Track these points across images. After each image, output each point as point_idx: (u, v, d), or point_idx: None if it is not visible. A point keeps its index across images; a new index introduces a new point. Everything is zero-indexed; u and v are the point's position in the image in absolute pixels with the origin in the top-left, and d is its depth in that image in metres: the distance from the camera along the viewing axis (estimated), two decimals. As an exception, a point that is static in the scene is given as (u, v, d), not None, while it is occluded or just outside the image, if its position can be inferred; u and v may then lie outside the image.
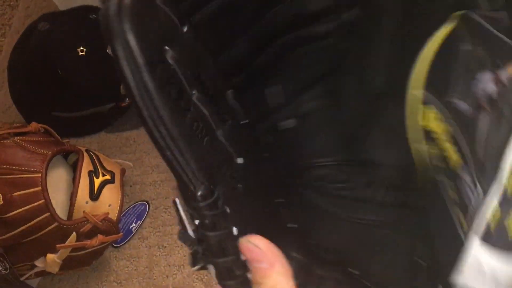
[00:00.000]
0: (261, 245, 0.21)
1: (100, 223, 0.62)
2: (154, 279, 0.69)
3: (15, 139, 0.63)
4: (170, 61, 0.19)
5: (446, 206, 0.20)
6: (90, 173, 0.65)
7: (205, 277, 0.67)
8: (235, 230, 0.22)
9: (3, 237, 0.59)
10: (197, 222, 0.21)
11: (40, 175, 0.59)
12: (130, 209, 0.75)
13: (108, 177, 0.67)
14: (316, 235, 0.25)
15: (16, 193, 0.58)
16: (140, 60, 0.17)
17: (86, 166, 0.65)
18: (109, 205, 0.65)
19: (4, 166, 0.59)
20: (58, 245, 0.60)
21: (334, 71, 0.27)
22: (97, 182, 0.65)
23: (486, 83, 0.17)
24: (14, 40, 0.87)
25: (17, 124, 0.69)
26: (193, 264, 0.23)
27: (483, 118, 0.17)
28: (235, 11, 0.24)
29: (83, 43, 0.76)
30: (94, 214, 0.62)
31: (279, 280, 0.21)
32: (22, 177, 0.59)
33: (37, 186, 0.59)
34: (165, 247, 0.71)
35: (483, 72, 0.18)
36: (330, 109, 0.28)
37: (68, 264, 0.65)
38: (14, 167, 0.59)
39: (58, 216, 0.59)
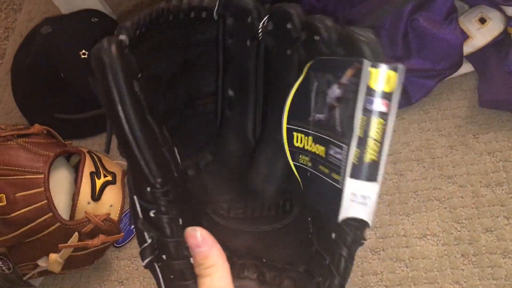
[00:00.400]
0: (203, 233, 0.27)
1: (102, 223, 0.63)
2: (155, 278, 0.69)
3: (18, 140, 0.63)
4: (136, 88, 0.26)
5: (326, 182, 0.27)
6: (92, 174, 0.65)
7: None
8: (180, 221, 0.27)
9: (6, 237, 0.60)
10: (152, 213, 0.27)
11: (42, 176, 0.60)
12: (131, 209, 0.75)
13: (109, 178, 0.67)
14: (229, 243, 0.30)
15: (19, 194, 0.59)
16: (122, 82, 0.25)
17: (88, 167, 0.65)
18: (111, 206, 0.66)
19: (8, 167, 0.60)
20: (60, 245, 0.61)
21: (217, 135, 0.37)
22: (98, 183, 0.65)
23: (333, 91, 0.25)
24: (17, 43, 0.88)
25: (20, 126, 0.70)
26: (143, 258, 0.27)
27: (336, 111, 0.25)
28: (157, 79, 0.32)
29: (85, 46, 0.76)
30: (95, 215, 0.63)
31: (218, 260, 0.27)
32: (25, 178, 0.60)
33: (40, 187, 0.60)
34: (166, 247, 0.72)
35: (332, 87, 0.25)
36: (218, 162, 0.37)
37: (70, 264, 0.65)
38: (17, 168, 0.60)
39: (61, 217, 0.60)
